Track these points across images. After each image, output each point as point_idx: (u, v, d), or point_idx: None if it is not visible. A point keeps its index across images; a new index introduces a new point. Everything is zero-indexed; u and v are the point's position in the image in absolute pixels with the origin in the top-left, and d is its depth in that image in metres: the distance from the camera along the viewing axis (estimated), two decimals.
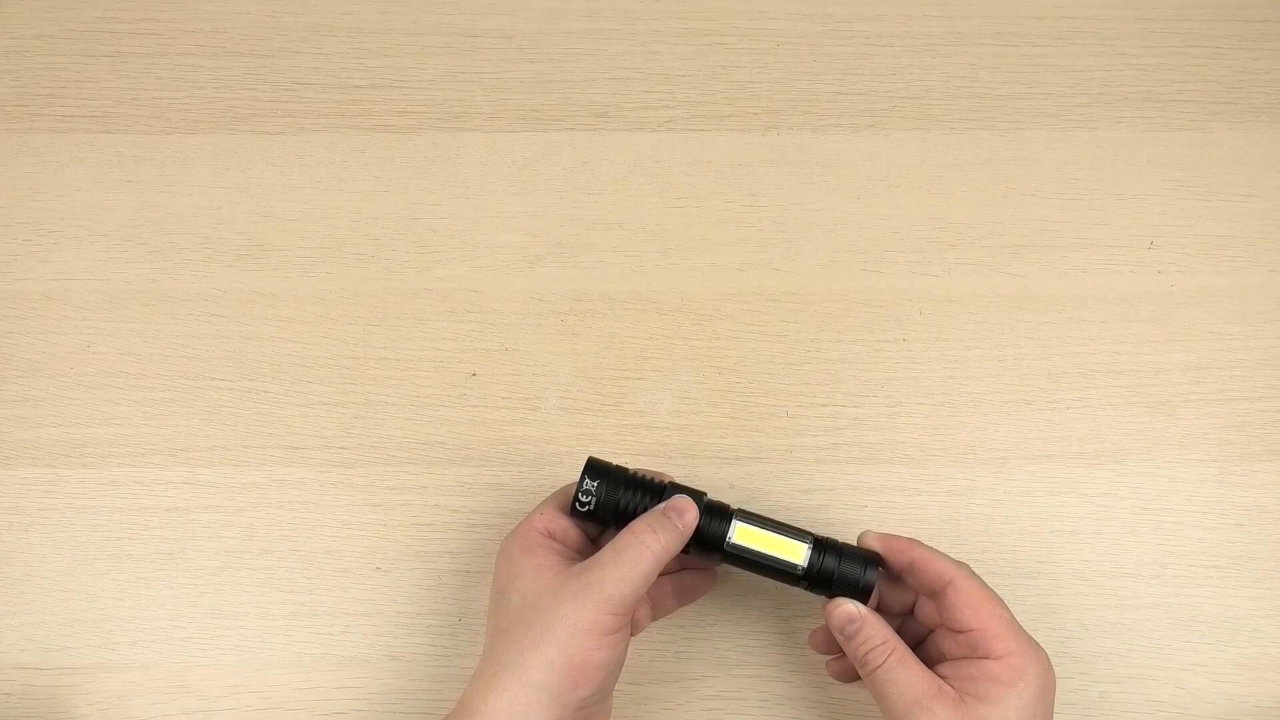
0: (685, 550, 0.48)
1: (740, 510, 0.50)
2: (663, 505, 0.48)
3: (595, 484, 0.49)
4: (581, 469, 0.49)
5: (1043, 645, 0.46)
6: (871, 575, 0.48)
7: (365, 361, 0.58)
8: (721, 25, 0.63)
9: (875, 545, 0.49)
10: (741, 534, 0.49)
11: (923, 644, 0.50)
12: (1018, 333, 0.58)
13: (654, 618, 0.51)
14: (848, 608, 0.47)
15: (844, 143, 0.61)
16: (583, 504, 0.49)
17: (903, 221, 0.60)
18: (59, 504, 0.55)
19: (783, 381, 0.58)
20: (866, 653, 0.46)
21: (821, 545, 0.49)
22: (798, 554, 0.48)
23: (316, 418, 0.57)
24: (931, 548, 0.49)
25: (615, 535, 0.47)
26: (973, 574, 0.48)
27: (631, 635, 0.48)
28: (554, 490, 0.51)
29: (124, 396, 0.57)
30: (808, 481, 0.56)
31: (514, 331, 0.58)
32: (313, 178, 0.60)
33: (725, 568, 0.52)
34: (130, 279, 0.59)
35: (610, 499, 0.49)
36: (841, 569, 0.48)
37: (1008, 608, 0.47)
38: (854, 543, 0.50)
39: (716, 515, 0.49)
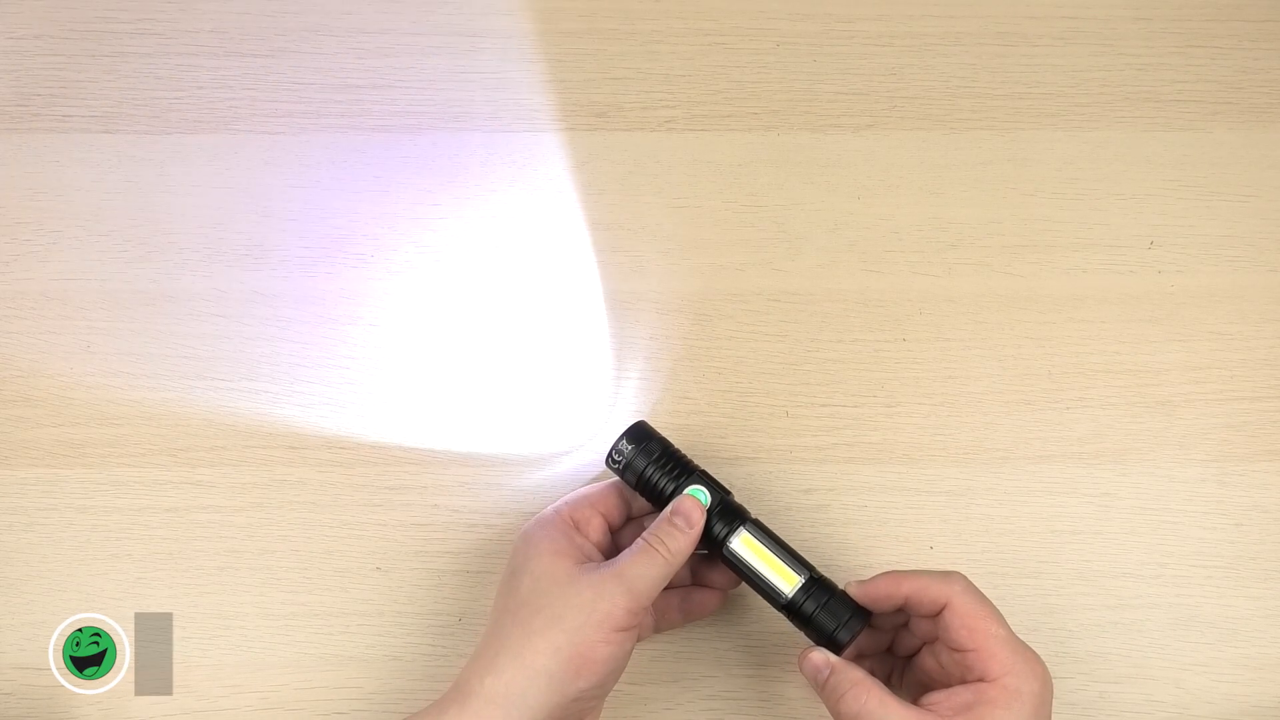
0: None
1: (756, 522, 0.50)
2: (668, 512, 0.48)
3: (630, 449, 0.50)
4: (627, 427, 0.51)
5: (1043, 645, 0.46)
6: (844, 634, 0.48)
7: (365, 361, 0.58)
8: (721, 25, 0.63)
9: (859, 595, 0.48)
10: (745, 542, 0.49)
11: (918, 654, 0.50)
12: (1018, 333, 0.58)
13: (657, 629, 0.52)
14: (814, 658, 0.47)
15: (844, 143, 0.61)
16: (614, 462, 0.51)
17: (903, 221, 0.60)
18: (59, 504, 0.55)
19: (782, 381, 0.57)
20: (837, 700, 0.46)
21: (815, 585, 0.48)
22: (789, 582, 0.48)
23: (316, 418, 0.57)
24: (917, 572, 0.48)
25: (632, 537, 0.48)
26: (966, 586, 0.47)
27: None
28: (581, 484, 0.53)
29: (124, 396, 0.57)
30: (808, 481, 0.56)
31: None
32: (313, 178, 0.60)
33: (736, 590, 0.53)
34: (130, 279, 0.59)
35: (637, 464, 0.50)
36: (818, 615, 0.48)
37: (1004, 621, 0.46)
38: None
39: (730, 518, 0.49)
